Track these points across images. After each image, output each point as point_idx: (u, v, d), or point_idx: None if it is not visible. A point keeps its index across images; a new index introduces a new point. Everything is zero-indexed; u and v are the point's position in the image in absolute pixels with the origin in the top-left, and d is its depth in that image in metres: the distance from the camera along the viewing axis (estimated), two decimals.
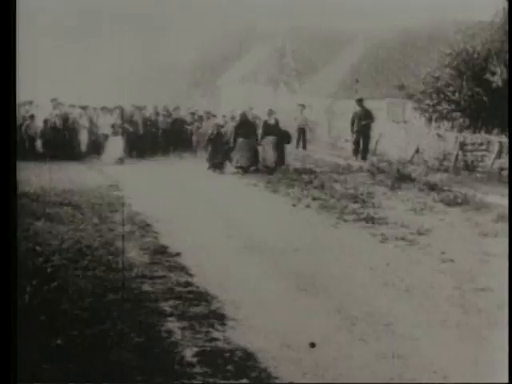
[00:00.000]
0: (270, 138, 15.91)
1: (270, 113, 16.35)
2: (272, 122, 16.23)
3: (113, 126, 17.30)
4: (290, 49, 23.25)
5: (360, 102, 16.82)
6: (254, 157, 15.94)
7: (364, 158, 16.23)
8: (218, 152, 15.83)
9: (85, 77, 21.05)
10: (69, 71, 20.49)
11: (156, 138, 18.09)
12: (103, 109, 18.04)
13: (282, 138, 16.21)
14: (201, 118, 18.17)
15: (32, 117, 16.98)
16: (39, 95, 17.23)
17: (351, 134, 16.80)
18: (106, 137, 17.25)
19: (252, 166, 15.80)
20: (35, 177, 13.23)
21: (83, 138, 17.61)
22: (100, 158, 16.86)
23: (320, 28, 22.05)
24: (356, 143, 16.64)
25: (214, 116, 17.17)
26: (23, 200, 10.55)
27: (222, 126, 16.33)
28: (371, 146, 17.23)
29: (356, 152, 16.58)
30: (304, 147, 18.69)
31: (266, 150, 15.89)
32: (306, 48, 22.54)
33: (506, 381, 5.52)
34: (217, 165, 15.73)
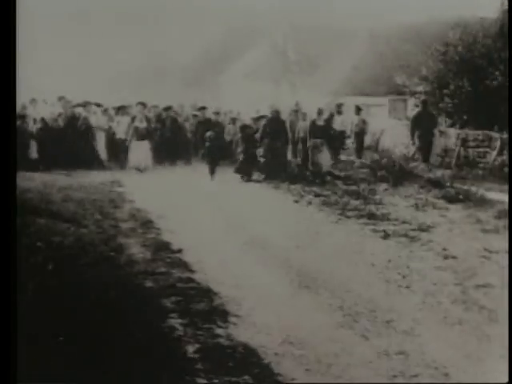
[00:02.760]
0: (318, 142, 13.97)
1: (320, 112, 14.26)
2: (321, 122, 14.19)
3: (136, 129, 15.12)
4: (292, 46, 23.28)
5: (425, 103, 15.18)
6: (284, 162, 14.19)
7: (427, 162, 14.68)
8: (246, 156, 14.05)
9: (85, 76, 20.91)
10: (71, 71, 20.35)
11: (182, 142, 16.33)
12: (121, 108, 15.96)
13: (334, 141, 14.41)
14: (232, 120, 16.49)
15: (43, 119, 15.19)
16: (45, 94, 16.55)
17: (412, 139, 14.96)
18: (129, 141, 15.11)
19: (279, 173, 13.86)
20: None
21: (100, 142, 15.39)
22: (123, 167, 14.90)
23: (321, 25, 22.08)
24: (423, 149, 14.75)
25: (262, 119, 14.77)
26: (25, 196, 10.59)
27: (251, 128, 14.54)
28: (373, 143, 17.25)
29: (426, 159, 14.70)
30: (359, 157, 16.11)
31: (315, 156, 14.00)
32: (307, 45, 22.56)
33: (506, 380, 5.52)
34: (245, 170, 13.98)
